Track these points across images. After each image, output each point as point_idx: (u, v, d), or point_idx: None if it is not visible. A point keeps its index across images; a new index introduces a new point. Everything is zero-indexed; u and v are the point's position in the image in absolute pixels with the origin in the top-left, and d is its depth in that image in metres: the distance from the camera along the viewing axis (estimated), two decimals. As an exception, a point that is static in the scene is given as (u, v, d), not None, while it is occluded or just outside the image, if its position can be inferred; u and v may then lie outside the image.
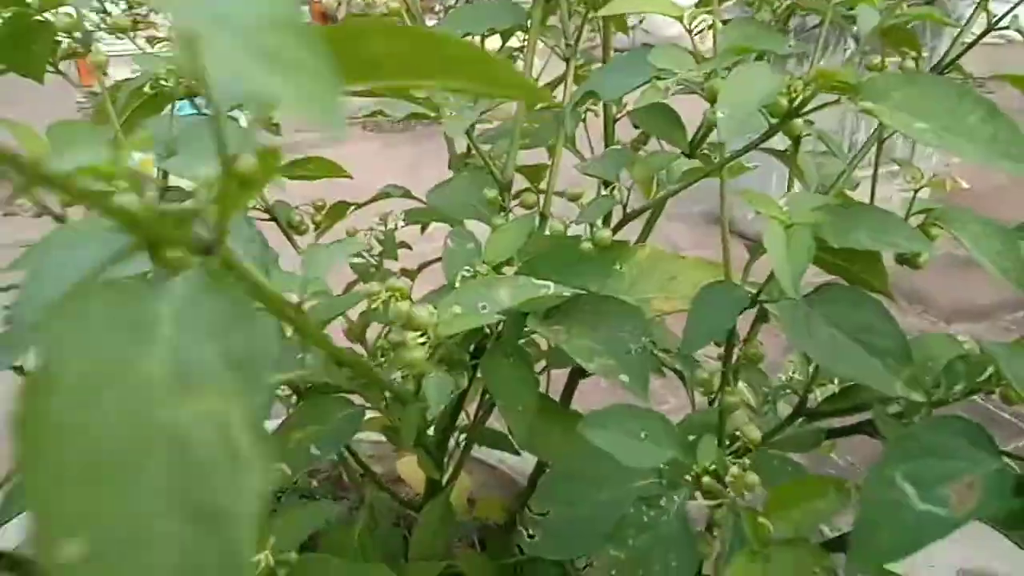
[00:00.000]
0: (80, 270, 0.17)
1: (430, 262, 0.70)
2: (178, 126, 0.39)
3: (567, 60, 0.59)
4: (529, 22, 0.57)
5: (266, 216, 0.57)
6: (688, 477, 0.35)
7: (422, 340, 0.32)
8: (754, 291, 0.41)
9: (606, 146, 0.66)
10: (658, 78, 0.37)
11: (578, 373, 0.66)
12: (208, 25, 0.11)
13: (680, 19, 0.35)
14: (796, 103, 0.34)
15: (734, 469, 0.30)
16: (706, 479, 0.30)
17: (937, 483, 0.26)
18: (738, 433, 0.35)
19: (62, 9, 0.41)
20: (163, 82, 0.45)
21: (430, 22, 0.66)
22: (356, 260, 0.60)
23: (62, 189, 0.16)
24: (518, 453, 0.66)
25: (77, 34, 0.44)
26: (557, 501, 0.41)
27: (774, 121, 0.35)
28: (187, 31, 0.11)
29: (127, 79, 0.50)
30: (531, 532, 0.40)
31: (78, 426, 0.13)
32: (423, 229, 0.69)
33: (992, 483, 0.26)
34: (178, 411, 0.13)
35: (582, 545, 0.38)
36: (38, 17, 0.44)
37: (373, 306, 0.32)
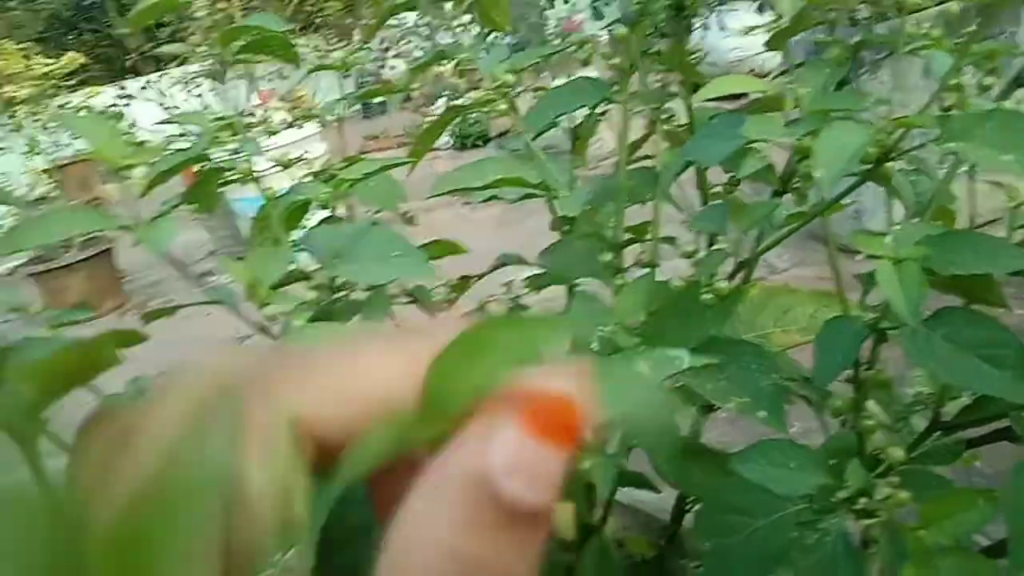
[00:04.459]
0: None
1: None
2: (341, 234, 0.47)
3: (653, 123, 0.64)
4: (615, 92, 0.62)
5: (410, 299, 0.64)
6: (836, 499, 0.38)
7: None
8: (871, 317, 0.44)
9: (700, 190, 0.70)
10: (753, 141, 0.41)
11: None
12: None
13: (764, 91, 0.40)
14: (886, 150, 0.38)
15: (886, 489, 0.34)
16: (863, 500, 0.33)
17: (1081, 484, 0.29)
18: (880, 455, 0.38)
19: (239, 159, 0.49)
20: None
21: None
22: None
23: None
24: (657, 491, 0.69)
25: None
26: (715, 533, 0.45)
27: (867, 167, 0.39)
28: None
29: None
30: (696, 564, 0.44)
31: None
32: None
33: None
34: None
35: (744, 571, 0.41)
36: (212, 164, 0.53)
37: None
